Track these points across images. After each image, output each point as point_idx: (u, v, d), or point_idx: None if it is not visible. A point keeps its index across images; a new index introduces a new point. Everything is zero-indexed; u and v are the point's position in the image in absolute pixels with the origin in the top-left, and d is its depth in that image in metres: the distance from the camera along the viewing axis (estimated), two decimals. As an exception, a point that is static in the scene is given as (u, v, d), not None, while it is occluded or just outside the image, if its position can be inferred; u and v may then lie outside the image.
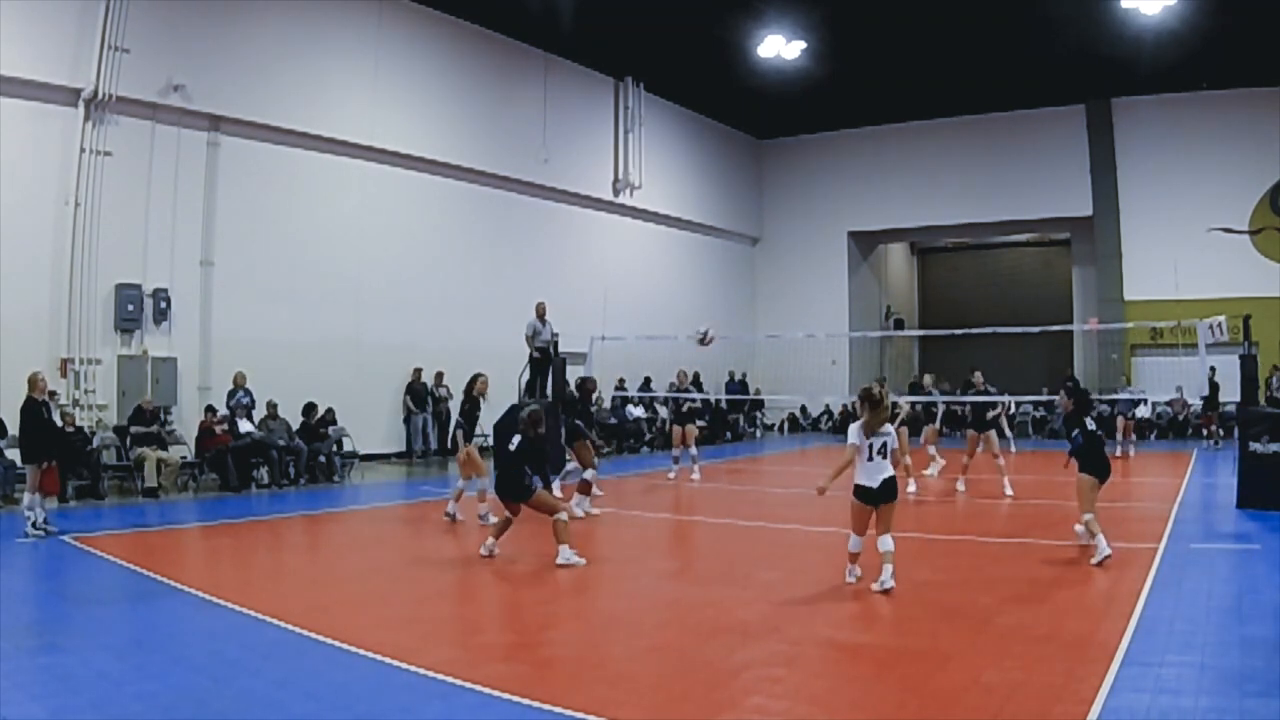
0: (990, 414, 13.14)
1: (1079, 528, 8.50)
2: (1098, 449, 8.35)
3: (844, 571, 7.32)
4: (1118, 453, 17.39)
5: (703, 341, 16.33)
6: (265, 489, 13.91)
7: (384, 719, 4.64)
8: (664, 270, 25.86)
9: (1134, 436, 19.08)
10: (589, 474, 11.27)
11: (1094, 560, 7.92)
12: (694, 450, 15.50)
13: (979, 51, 21.25)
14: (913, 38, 20.51)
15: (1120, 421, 18.64)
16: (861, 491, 7.07)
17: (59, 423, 12.35)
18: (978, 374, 13.63)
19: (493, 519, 10.13)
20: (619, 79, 24.05)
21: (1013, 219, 26.98)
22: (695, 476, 15.21)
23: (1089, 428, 8.34)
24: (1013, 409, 24.25)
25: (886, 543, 7.00)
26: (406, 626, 6.34)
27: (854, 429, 7.13)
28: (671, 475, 15.28)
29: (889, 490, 7.07)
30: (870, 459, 7.04)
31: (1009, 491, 12.52)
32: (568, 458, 13.10)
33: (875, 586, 6.94)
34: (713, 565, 9.01)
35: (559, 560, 8.16)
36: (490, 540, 8.56)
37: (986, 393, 13.33)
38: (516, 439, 8.46)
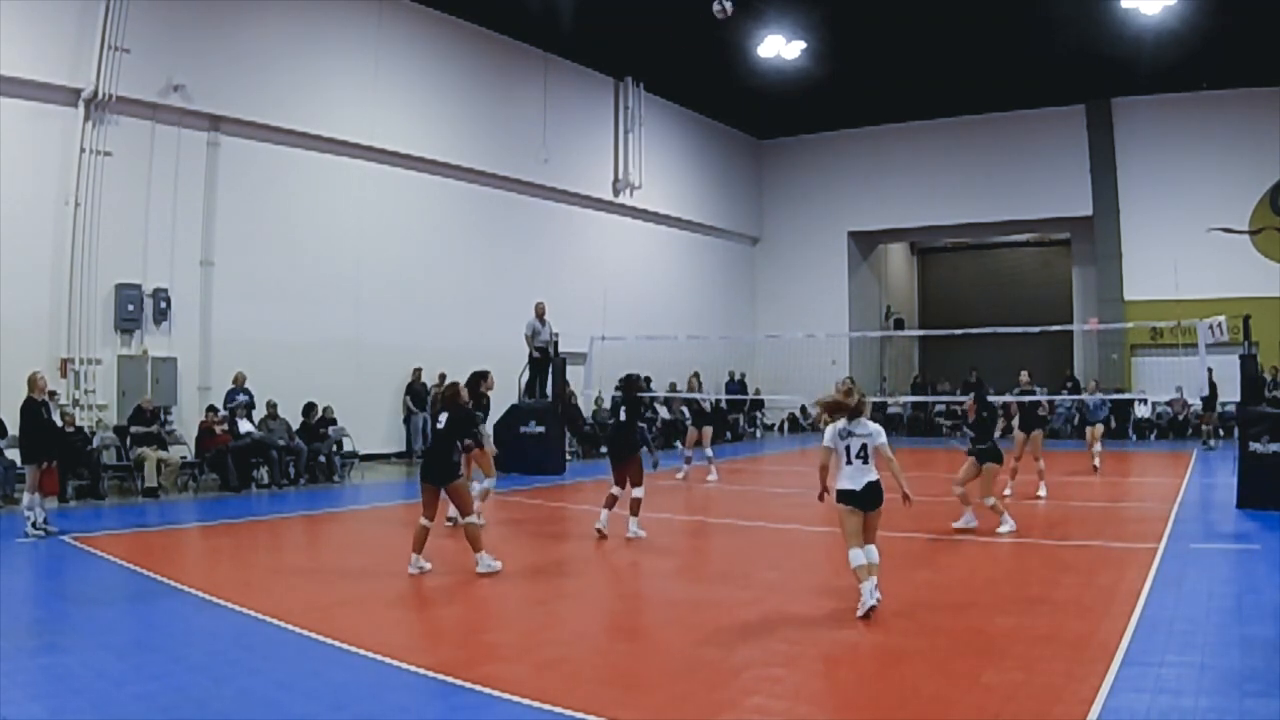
0: (1039, 413, 13.28)
1: (989, 501, 9.92)
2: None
3: (858, 600, 6.30)
4: (1096, 464, 15.26)
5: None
6: (265, 489, 13.90)
7: (384, 719, 4.64)
8: (664, 270, 25.86)
9: (1100, 446, 15.63)
10: (639, 492, 9.77)
11: (1001, 529, 9.60)
12: (709, 451, 15.45)
13: (979, 51, 21.25)
14: (913, 38, 20.51)
15: (1089, 431, 16.04)
16: (845, 494, 6.48)
17: (59, 423, 12.38)
18: (1024, 374, 13.65)
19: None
20: (619, 79, 24.04)
21: (1013, 219, 26.97)
22: (712, 478, 15.13)
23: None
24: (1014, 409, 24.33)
25: (871, 554, 6.43)
26: (406, 626, 6.35)
27: (829, 430, 6.64)
28: (680, 475, 15.20)
29: (872, 495, 6.44)
30: (849, 461, 6.47)
31: (1042, 494, 12.45)
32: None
33: (859, 611, 6.28)
34: (713, 565, 9.01)
35: (479, 569, 7.73)
36: (415, 558, 7.84)
37: (1034, 394, 13.35)
38: (444, 416, 7.98)
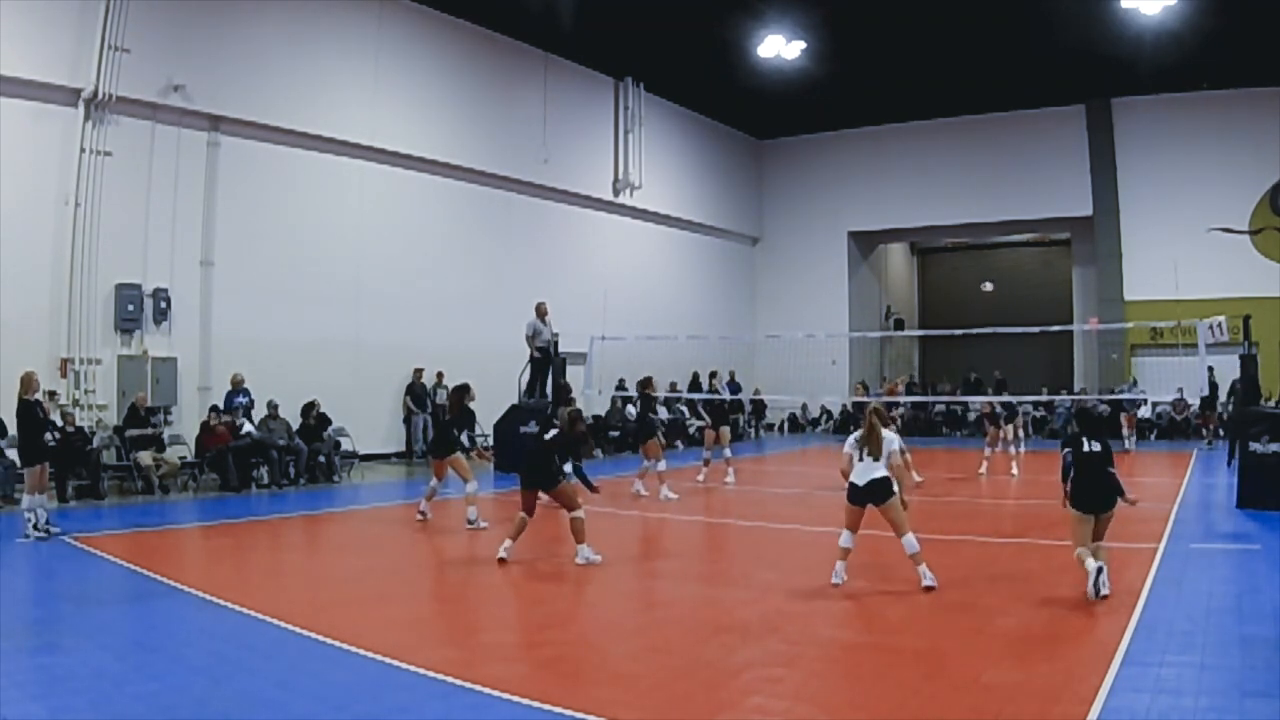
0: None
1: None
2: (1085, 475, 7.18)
3: (832, 571, 7.32)
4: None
5: None
6: (265, 489, 13.91)
7: (384, 719, 4.64)
8: (664, 270, 25.85)
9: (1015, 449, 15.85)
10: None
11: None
12: (728, 451, 15.10)
13: (979, 51, 21.23)
14: (913, 38, 20.49)
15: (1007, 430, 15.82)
16: (850, 490, 7.32)
17: (59, 422, 12.36)
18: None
19: (482, 523, 10.11)
20: (619, 79, 24.04)
21: (1013, 219, 26.96)
22: (729, 480, 14.76)
23: (1084, 449, 7.19)
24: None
25: (910, 544, 7.15)
26: (406, 626, 6.35)
27: (850, 440, 7.49)
28: (700, 477, 14.94)
29: (876, 491, 7.15)
30: (860, 459, 7.30)
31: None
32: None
33: (925, 584, 7.09)
34: (713, 565, 9.01)
35: (578, 559, 8.19)
36: (508, 542, 8.36)
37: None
38: (553, 431, 8.67)
